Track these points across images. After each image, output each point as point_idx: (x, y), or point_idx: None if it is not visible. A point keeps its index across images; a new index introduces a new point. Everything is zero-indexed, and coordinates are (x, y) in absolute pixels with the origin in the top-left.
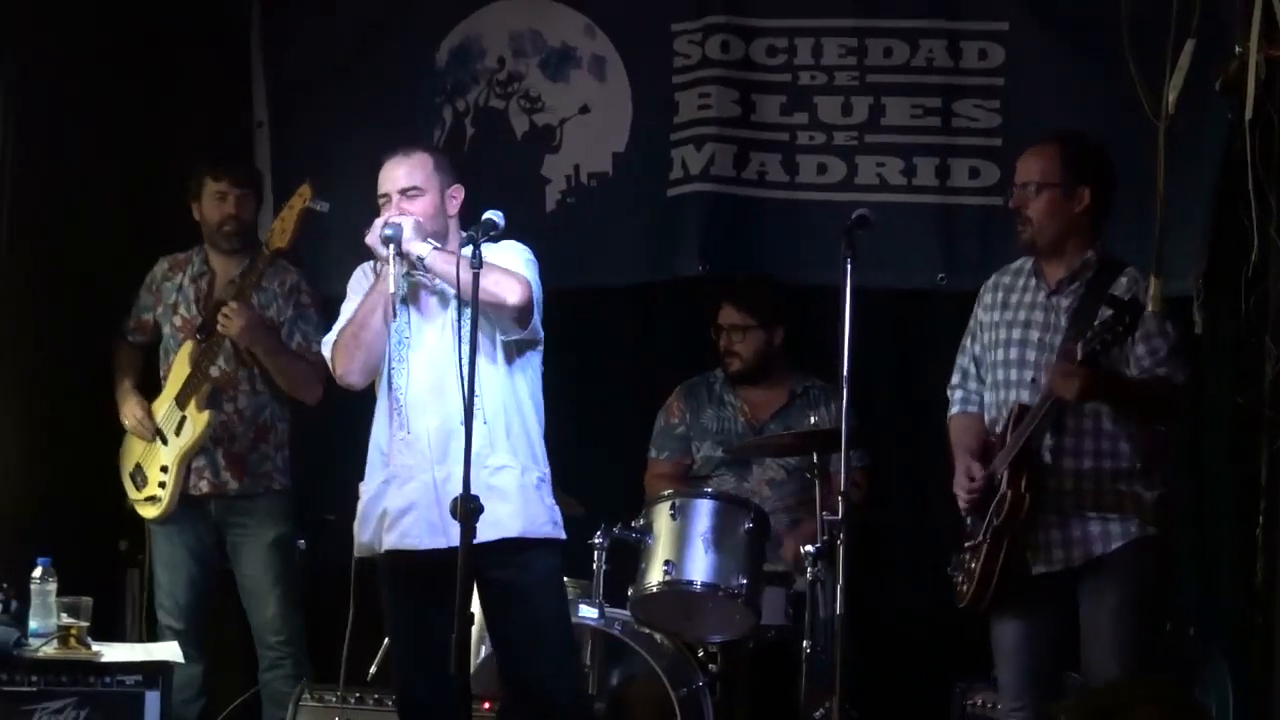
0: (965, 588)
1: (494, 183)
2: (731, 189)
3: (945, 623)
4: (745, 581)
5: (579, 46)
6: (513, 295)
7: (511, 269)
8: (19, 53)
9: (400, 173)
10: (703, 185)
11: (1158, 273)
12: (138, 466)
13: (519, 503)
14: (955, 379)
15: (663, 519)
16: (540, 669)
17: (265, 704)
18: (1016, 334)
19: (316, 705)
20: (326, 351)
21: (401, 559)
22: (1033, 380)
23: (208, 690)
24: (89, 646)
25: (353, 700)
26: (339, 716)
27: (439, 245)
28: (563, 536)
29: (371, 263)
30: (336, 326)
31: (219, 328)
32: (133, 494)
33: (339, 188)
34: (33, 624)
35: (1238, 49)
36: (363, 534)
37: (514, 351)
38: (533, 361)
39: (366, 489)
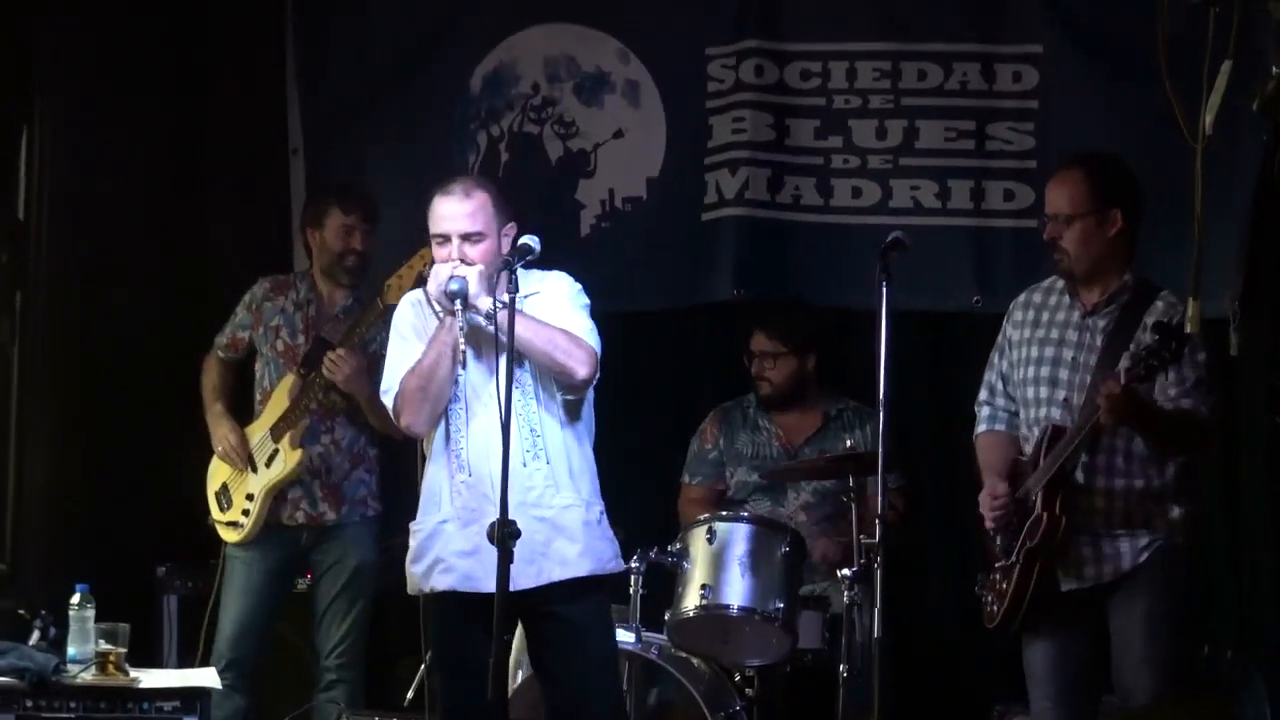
0: (995, 608)
1: (529, 208)
2: (766, 213)
3: (983, 644)
4: (782, 605)
5: (613, 71)
6: (581, 369)
7: (575, 327)
8: (58, 80)
9: (463, 216)
10: (737, 209)
11: (1196, 295)
12: (224, 487)
13: (585, 541)
14: (983, 395)
15: (699, 543)
16: (592, 705)
17: None
18: (1049, 352)
19: None
20: (389, 401)
21: (455, 599)
22: (1064, 400)
23: None
24: (127, 673)
25: None
26: None
27: (503, 303)
28: (622, 567)
29: (417, 298)
30: (394, 371)
31: (325, 370)
32: (216, 514)
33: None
34: (71, 650)
35: (1274, 69)
36: (415, 571)
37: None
38: (589, 397)
39: (420, 528)
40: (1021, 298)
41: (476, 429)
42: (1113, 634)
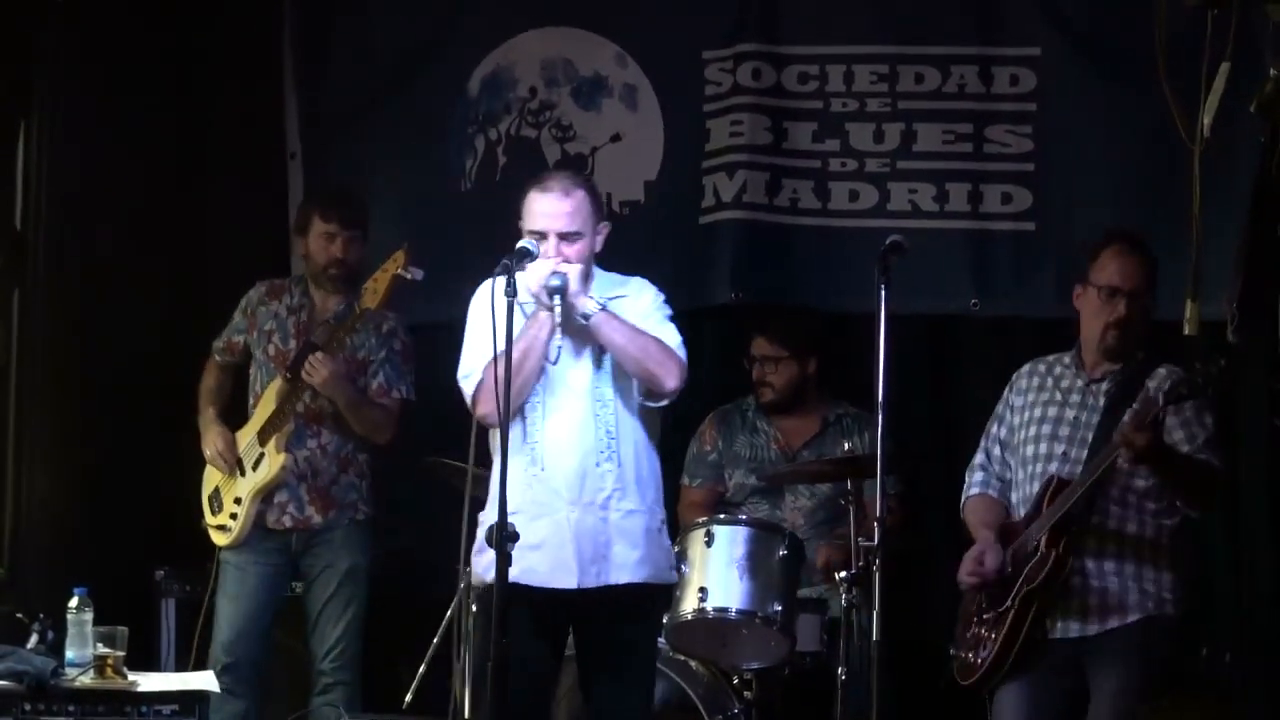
0: (979, 660)
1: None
2: (763, 216)
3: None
4: (780, 608)
5: (610, 75)
6: (670, 381)
7: (667, 338)
8: (56, 83)
9: (564, 213)
10: (735, 213)
11: (1194, 296)
12: (216, 490)
13: (645, 548)
14: (978, 459)
15: (697, 546)
16: (631, 705)
17: None
18: (1052, 412)
19: None
20: (468, 388)
21: (518, 592)
22: (1063, 454)
23: None
24: (125, 676)
25: None
26: None
27: (604, 304)
28: (676, 579)
29: (490, 285)
30: (472, 360)
31: (304, 374)
32: (208, 518)
33: (372, 217)
34: (69, 654)
35: (1272, 71)
36: (478, 562)
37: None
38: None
39: (488, 519)
40: (1026, 368)
41: (554, 425)
42: (1092, 692)
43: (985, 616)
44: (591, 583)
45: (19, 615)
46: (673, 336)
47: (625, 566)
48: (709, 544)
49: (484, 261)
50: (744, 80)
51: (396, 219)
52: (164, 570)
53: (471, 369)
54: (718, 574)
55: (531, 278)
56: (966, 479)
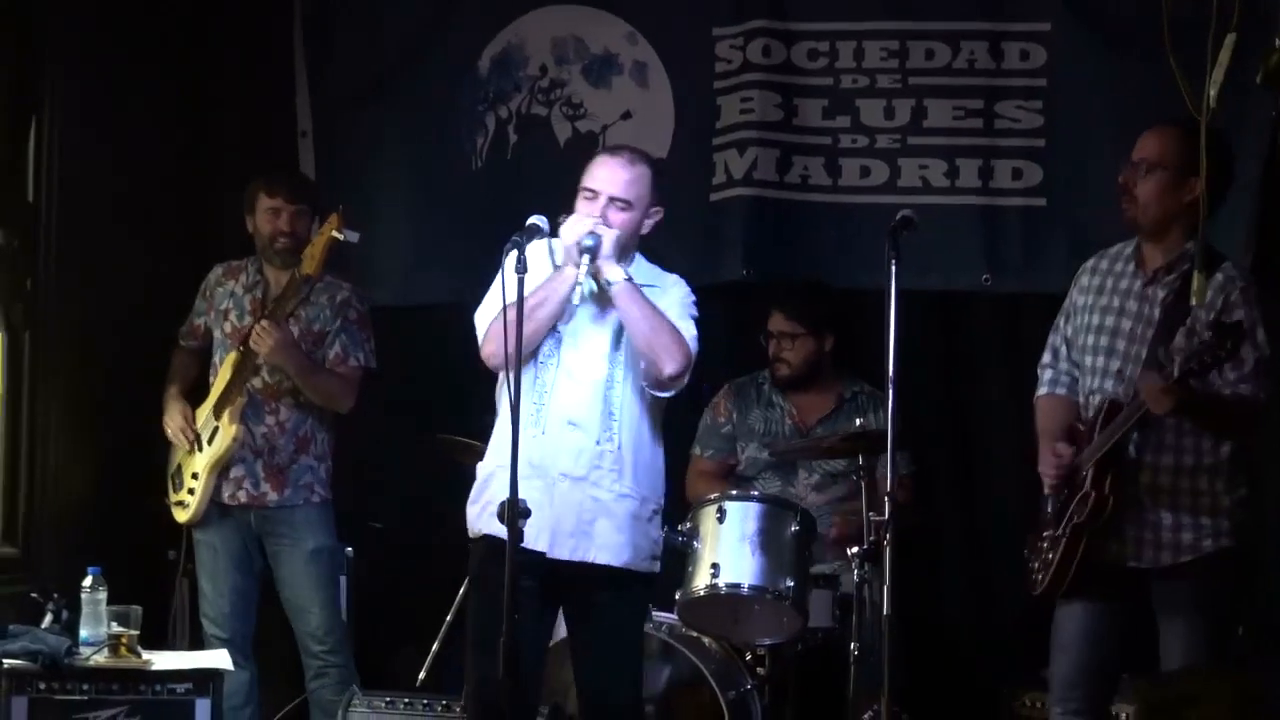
0: (1041, 577)
1: (537, 189)
2: (774, 193)
3: (993, 624)
4: (792, 584)
5: (621, 53)
6: (671, 365)
7: (680, 327)
8: (66, 67)
9: (622, 179)
10: (745, 190)
11: (1202, 269)
12: (178, 468)
13: (630, 534)
14: (1046, 358)
15: (709, 522)
16: (615, 691)
17: (313, 712)
18: (1110, 321)
19: (366, 711)
20: (481, 326)
21: (500, 547)
22: (1118, 371)
23: (256, 698)
24: (139, 655)
25: (402, 706)
26: None
27: (630, 276)
28: (658, 570)
29: (519, 243)
30: (492, 301)
31: (251, 343)
32: (170, 495)
33: (382, 197)
34: (83, 633)
35: (1277, 41)
36: (471, 512)
37: None
38: (664, 407)
39: (485, 469)
40: (1090, 263)
41: (563, 391)
42: (1161, 633)
43: (1045, 533)
44: (566, 555)
45: (34, 595)
46: (689, 329)
47: (606, 548)
48: (721, 520)
49: (495, 239)
50: (754, 57)
51: (406, 197)
52: (177, 550)
53: (487, 310)
54: (730, 550)
55: (567, 231)
56: (1038, 376)
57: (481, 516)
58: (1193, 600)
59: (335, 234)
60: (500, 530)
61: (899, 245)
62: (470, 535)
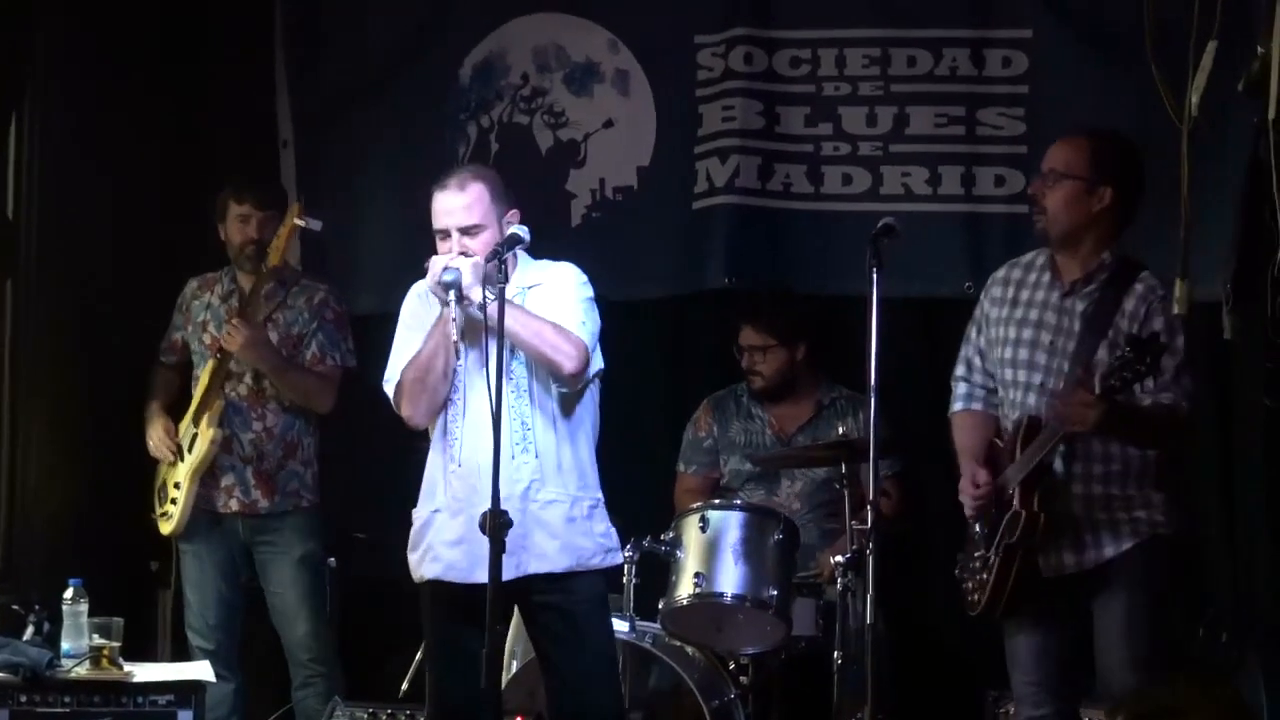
0: (977, 597)
1: (519, 198)
2: (756, 201)
3: (977, 630)
4: (776, 592)
5: (602, 61)
6: (568, 363)
7: (568, 320)
8: (48, 71)
9: (459, 210)
10: (728, 197)
11: (1184, 275)
12: (163, 483)
13: (565, 537)
14: (959, 370)
15: (692, 531)
16: (591, 694)
17: None
18: (1027, 334)
19: None
20: (390, 390)
21: (444, 589)
22: (1041, 384)
23: (240, 709)
24: (121, 667)
25: (384, 717)
26: None
27: (499, 294)
28: (616, 561)
29: (422, 290)
30: (395, 363)
31: (222, 341)
32: (156, 509)
33: (365, 205)
34: (65, 645)
35: (1259, 49)
36: (412, 559)
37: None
38: (590, 392)
39: (418, 516)
40: (1001, 273)
41: (469, 421)
42: (1096, 632)
43: (977, 554)
44: (510, 574)
45: (15, 607)
46: (576, 316)
47: (544, 556)
48: (704, 529)
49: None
50: (736, 65)
51: (389, 207)
52: (159, 561)
53: (392, 375)
54: (713, 559)
55: (430, 276)
56: (952, 389)
57: (423, 563)
58: (1128, 583)
59: (297, 221)
60: (441, 574)
61: (881, 253)
62: (415, 581)
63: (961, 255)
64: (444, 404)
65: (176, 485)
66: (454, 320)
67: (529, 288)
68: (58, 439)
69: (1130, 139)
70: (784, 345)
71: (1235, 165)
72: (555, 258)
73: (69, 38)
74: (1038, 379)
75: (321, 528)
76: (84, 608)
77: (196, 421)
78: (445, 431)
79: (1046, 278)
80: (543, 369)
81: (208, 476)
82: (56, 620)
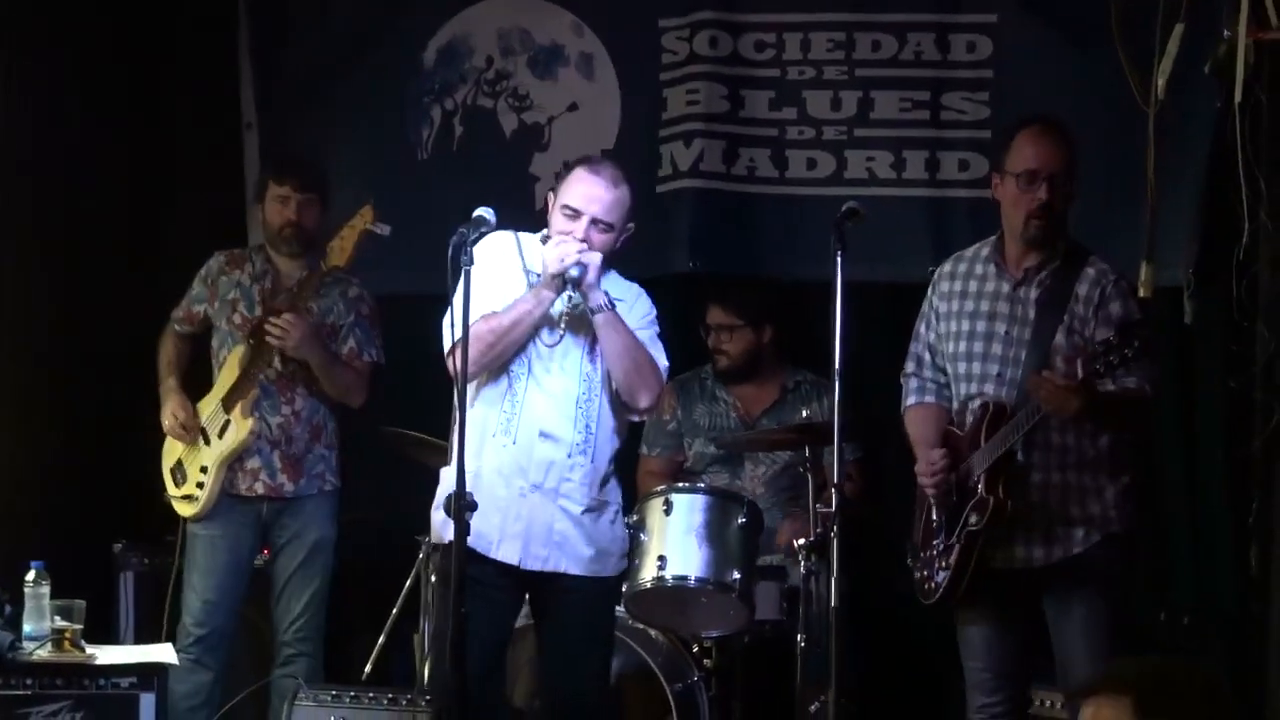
0: (932, 585)
1: (483, 181)
2: (721, 185)
3: (941, 615)
4: (739, 576)
5: (567, 44)
6: (648, 397)
7: (653, 353)
8: (11, 51)
9: (605, 201)
10: (692, 181)
11: (1150, 258)
12: (179, 463)
13: (599, 545)
14: (909, 367)
15: (656, 515)
16: (584, 687)
17: (274, 699)
18: (981, 326)
19: (313, 705)
20: (448, 334)
21: (472, 555)
22: (998, 374)
23: (215, 700)
24: (83, 649)
25: (348, 699)
26: (334, 716)
27: (612, 305)
28: (626, 565)
29: (507, 241)
30: (465, 307)
31: (274, 339)
32: (171, 490)
33: (330, 190)
34: (26, 627)
35: (1226, 33)
36: (436, 520)
37: None
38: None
39: (447, 476)
40: (947, 267)
41: (537, 404)
42: (1052, 629)
43: (934, 542)
44: (538, 566)
45: None
46: (661, 357)
47: (579, 560)
48: (667, 512)
49: (441, 231)
50: (700, 49)
51: (353, 190)
52: (122, 543)
53: (458, 319)
54: (676, 542)
55: (551, 255)
56: (902, 385)
57: (448, 526)
58: (1087, 593)
59: (370, 227)
60: (470, 541)
61: (845, 236)
62: (433, 540)
63: (925, 240)
64: (509, 377)
65: (203, 469)
66: (567, 309)
67: (615, 301)
68: (17, 421)
69: (1081, 124)
70: (751, 326)
71: (1197, 151)
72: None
73: (26, 19)
74: (994, 369)
75: (338, 511)
76: (46, 590)
77: (228, 407)
78: (504, 402)
79: (993, 269)
80: (611, 383)
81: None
82: (18, 602)
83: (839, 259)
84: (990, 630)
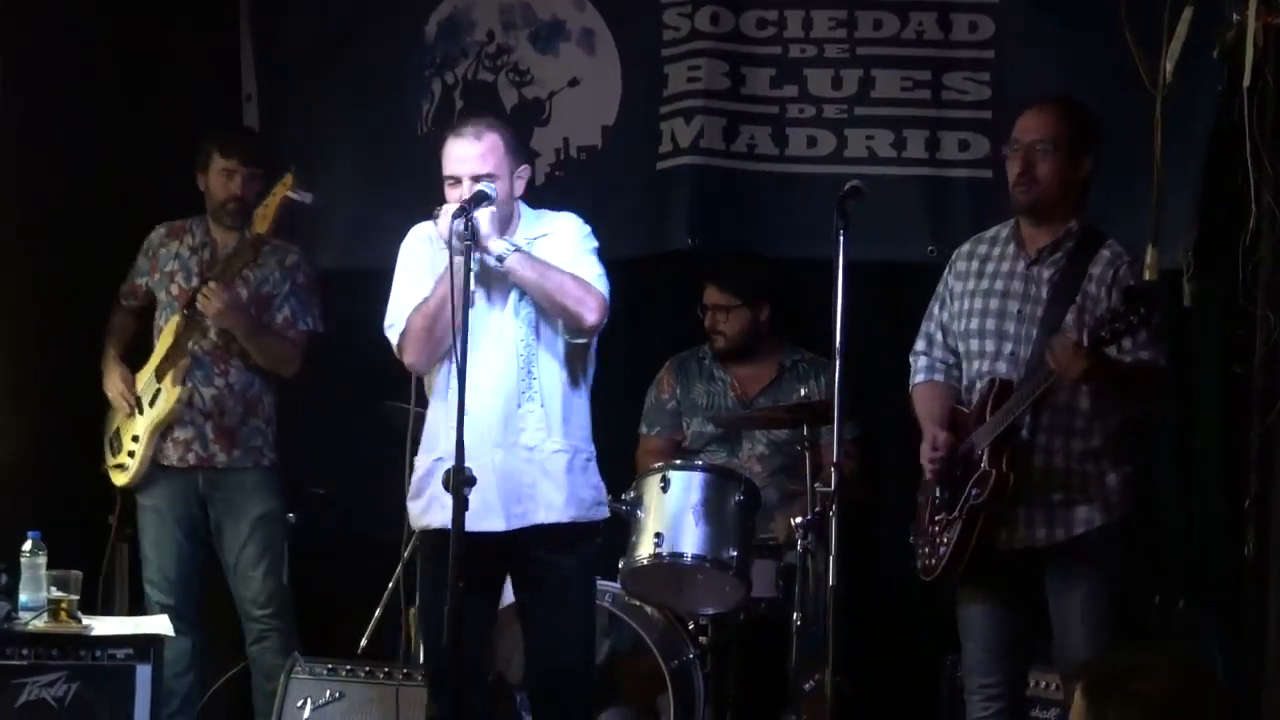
0: (933, 561)
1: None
2: (721, 162)
3: (936, 594)
4: (736, 553)
5: (568, 19)
6: (590, 316)
7: (584, 271)
8: (4, 27)
9: (474, 158)
10: (692, 158)
11: (1156, 242)
12: (116, 432)
13: (570, 488)
14: (920, 345)
15: (653, 492)
16: (566, 654)
17: (255, 676)
18: (994, 304)
19: (308, 678)
20: (393, 337)
21: (441, 540)
22: (1011, 353)
23: (199, 664)
24: (79, 620)
25: (344, 673)
26: (330, 689)
27: (516, 245)
28: (607, 514)
29: (427, 233)
30: (397, 308)
31: (198, 305)
32: (108, 459)
33: (328, 162)
34: (23, 598)
35: (1235, 16)
36: (413, 508)
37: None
38: (591, 342)
39: (420, 465)
40: (965, 247)
41: (476, 369)
42: (1052, 610)
43: (937, 518)
44: (518, 524)
45: None
46: (591, 269)
47: (552, 507)
48: (665, 489)
49: (440, 205)
50: (702, 25)
51: (353, 163)
52: (117, 515)
53: (395, 318)
54: (673, 519)
55: (442, 225)
56: (911, 364)
57: (427, 511)
58: (1088, 574)
59: (290, 194)
60: (441, 522)
61: (846, 214)
62: (413, 529)
63: (925, 219)
64: (442, 359)
65: (135, 438)
66: (473, 270)
67: (536, 238)
68: (11, 391)
69: (1094, 109)
70: (747, 306)
71: (1198, 134)
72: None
73: None
74: (1008, 348)
75: (280, 487)
76: (42, 560)
77: (160, 376)
78: (449, 379)
79: (1011, 249)
80: (553, 319)
81: (165, 429)
82: (14, 573)
83: (841, 238)
84: (990, 611)
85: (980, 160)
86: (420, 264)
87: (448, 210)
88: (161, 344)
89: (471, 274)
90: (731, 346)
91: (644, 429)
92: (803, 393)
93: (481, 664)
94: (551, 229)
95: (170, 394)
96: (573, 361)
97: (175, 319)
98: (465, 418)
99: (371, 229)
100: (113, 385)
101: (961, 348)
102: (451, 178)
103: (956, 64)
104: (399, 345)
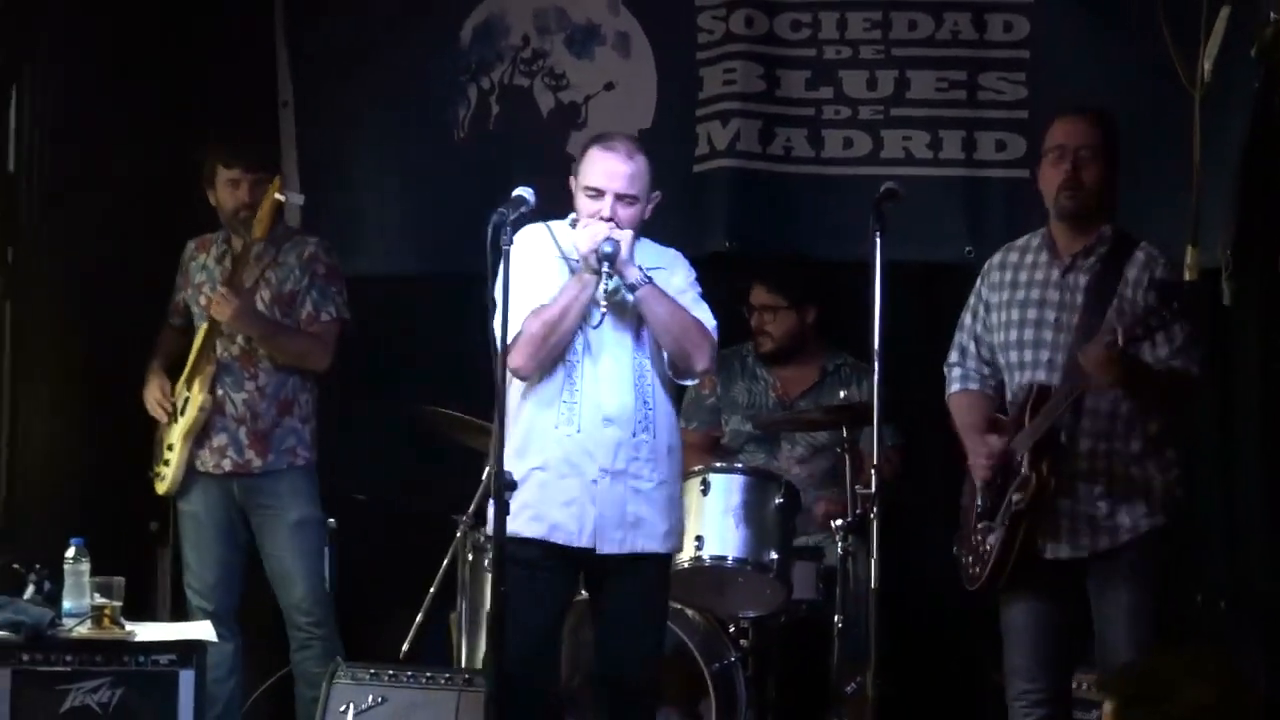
0: (978, 570)
1: (520, 160)
2: (757, 164)
3: (977, 597)
4: (776, 556)
5: (603, 23)
6: (702, 362)
7: (699, 315)
8: (48, 34)
9: (624, 174)
10: (728, 161)
11: (1195, 243)
12: (159, 441)
13: (671, 521)
14: (953, 356)
15: (693, 495)
16: (639, 668)
17: (297, 684)
18: (1031, 314)
19: (350, 683)
20: (511, 331)
21: (541, 547)
22: (1049, 360)
23: (240, 669)
24: (123, 626)
25: (386, 678)
26: (372, 694)
27: (650, 277)
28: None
29: (540, 231)
30: (516, 309)
31: (211, 312)
32: (153, 466)
33: (364, 166)
34: (66, 604)
35: (1273, 14)
36: (497, 515)
37: None
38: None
39: (515, 470)
40: (997, 258)
41: (595, 389)
42: (1095, 617)
43: (979, 526)
44: (614, 549)
45: (16, 566)
46: (708, 317)
47: (655, 537)
48: (705, 492)
49: (478, 210)
50: (736, 28)
51: (389, 168)
52: (158, 521)
53: (514, 314)
54: (714, 522)
55: (582, 239)
56: (946, 375)
57: (519, 519)
58: (1132, 580)
59: (276, 196)
60: (546, 534)
61: (883, 216)
62: (487, 535)
63: (961, 220)
64: (555, 367)
65: (170, 447)
66: (605, 290)
67: (651, 269)
68: (58, 399)
69: (1122, 106)
70: (794, 308)
71: (1236, 132)
72: (556, 220)
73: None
74: (1045, 356)
75: (317, 488)
76: (85, 567)
77: (189, 385)
78: (563, 392)
79: (1044, 257)
80: (661, 355)
81: (201, 437)
82: (58, 579)
83: (878, 240)
84: (1034, 617)
85: (1017, 160)
86: (541, 268)
87: (596, 228)
88: (192, 353)
89: (605, 297)
90: (777, 348)
91: (682, 423)
92: (843, 395)
93: (541, 674)
94: (663, 263)
95: (195, 400)
96: (675, 398)
97: (203, 328)
98: (577, 434)
99: (407, 234)
100: (149, 394)
101: (1002, 359)
102: (595, 190)
103: (992, 64)
104: (512, 346)
